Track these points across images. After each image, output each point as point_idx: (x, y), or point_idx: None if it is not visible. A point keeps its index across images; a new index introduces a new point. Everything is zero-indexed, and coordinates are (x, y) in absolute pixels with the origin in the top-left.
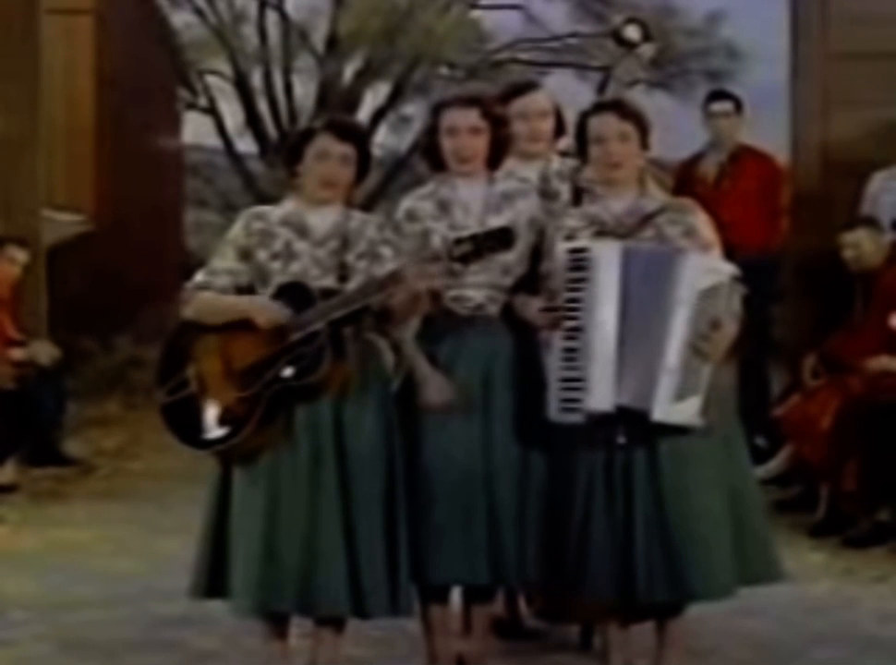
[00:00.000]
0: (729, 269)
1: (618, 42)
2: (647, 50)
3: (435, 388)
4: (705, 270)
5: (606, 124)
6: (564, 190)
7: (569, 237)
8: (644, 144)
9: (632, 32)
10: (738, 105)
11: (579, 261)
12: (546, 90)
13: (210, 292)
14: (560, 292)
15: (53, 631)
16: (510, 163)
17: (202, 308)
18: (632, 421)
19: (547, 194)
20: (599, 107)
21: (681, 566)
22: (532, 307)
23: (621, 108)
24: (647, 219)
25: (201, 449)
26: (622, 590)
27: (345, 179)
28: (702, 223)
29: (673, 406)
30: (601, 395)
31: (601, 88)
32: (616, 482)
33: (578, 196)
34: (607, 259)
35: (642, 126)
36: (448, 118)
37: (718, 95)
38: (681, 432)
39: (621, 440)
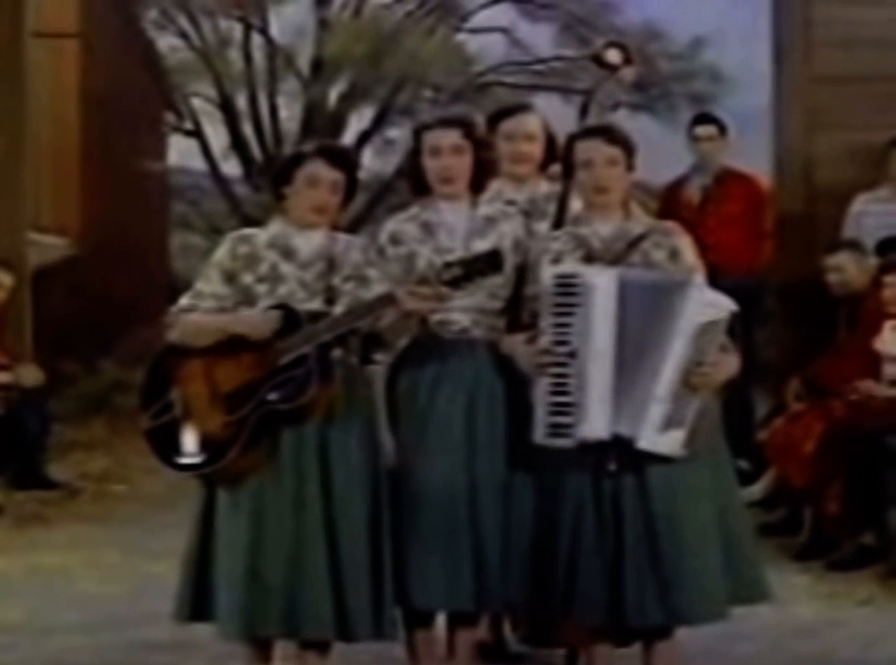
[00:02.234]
0: (729, 304)
1: (599, 65)
2: (628, 73)
3: (386, 452)
4: (706, 304)
5: (594, 149)
6: (551, 212)
7: (555, 261)
8: (629, 167)
9: (613, 56)
10: (722, 128)
11: (568, 287)
12: (538, 114)
13: (195, 314)
14: (544, 315)
15: (37, 655)
16: (499, 185)
17: (188, 331)
18: (623, 448)
19: (533, 215)
20: (587, 132)
21: (672, 589)
22: (518, 349)
23: (609, 133)
24: (633, 243)
25: (186, 473)
26: (611, 614)
27: (334, 205)
28: (685, 245)
29: (659, 436)
30: (598, 423)
31: (583, 111)
32: (605, 505)
33: (561, 219)
34: (603, 287)
35: (628, 150)
36: (430, 139)
37: (702, 118)
38: (670, 460)
39: (612, 467)
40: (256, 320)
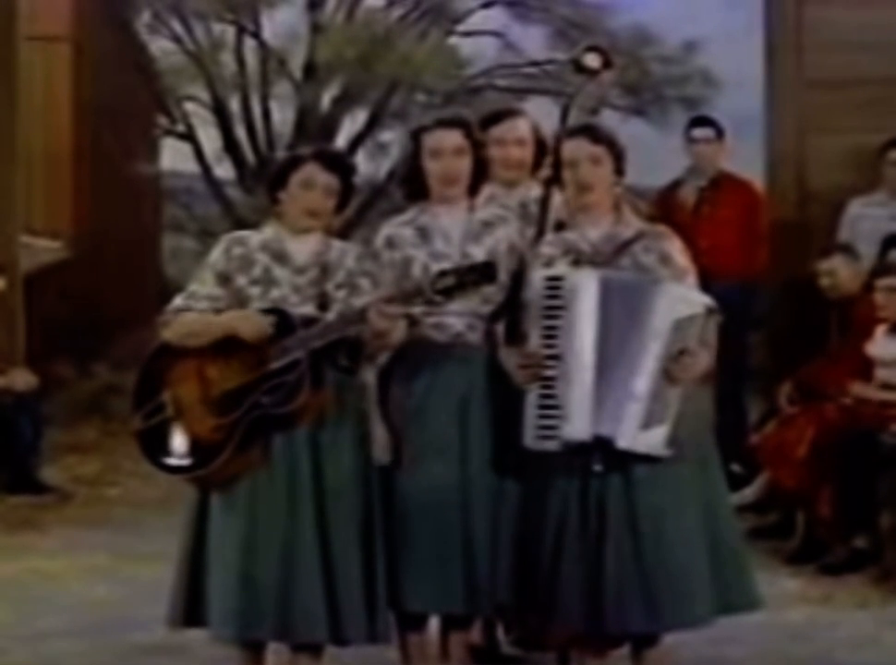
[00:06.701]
0: (703, 299)
1: (578, 70)
2: (608, 77)
3: (379, 448)
4: (680, 300)
5: (578, 148)
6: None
7: (546, 265)
8: (618, 170)
9: (591, 60)
10: (719, 132)
11: (556, 289)
12: (528, 118)
13: (190, 314)
14: (534, 319)
15: (29, 659)
16: (492, 190)
17: (183, 330)
18: (608, 449)
19: (526, 219)
20: (571, 132)
21: (655, 595)
22: (512, 361)
23: (593, 132)
24: (623, 247)
25: (177, 475)
26: (591, 620)
27: (328, 209)
28: (676, 249)
29: (639, 435)
30: (579, 425)
31: (563, 115)
32: (590, 510)
33: (543, 223)
34: (585, 288)
35: (615, 151)
36: (431, 140)
37: (700, 121)
38: (655, 460)
39: (597, 467)
40: (254, 319)
